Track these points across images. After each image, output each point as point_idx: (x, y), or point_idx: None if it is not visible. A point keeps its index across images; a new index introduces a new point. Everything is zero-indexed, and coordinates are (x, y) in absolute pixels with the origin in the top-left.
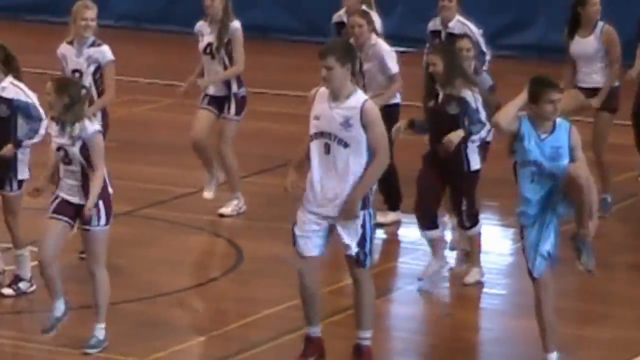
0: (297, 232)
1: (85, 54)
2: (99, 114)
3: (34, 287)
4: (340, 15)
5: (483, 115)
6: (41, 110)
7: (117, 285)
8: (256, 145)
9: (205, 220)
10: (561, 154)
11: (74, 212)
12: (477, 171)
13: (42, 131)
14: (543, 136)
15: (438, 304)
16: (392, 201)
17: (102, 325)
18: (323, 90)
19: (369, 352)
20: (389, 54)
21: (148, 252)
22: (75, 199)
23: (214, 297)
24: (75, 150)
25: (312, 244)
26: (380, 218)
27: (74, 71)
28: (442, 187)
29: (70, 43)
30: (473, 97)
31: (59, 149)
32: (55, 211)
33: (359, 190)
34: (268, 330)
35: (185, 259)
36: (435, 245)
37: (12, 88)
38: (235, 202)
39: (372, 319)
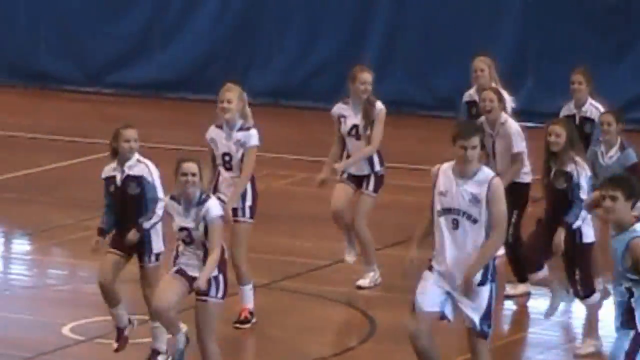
0: (418, 291)
1: (234, 138)
2: (249, 191)
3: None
4: (470, 94)
5: (584, 192)
6: (159, 191)
7: (254, 352)
8: (390, 217)
9: (341, 292)
10: None
11: (191, 282)
12: (589, 244)
13: (159, 212)
14: None
15: None
16: (521, 273)
17: None
18: (446, 166)
19: None
20: (518, 133)
21: (285, 322)
22: (194, 273)
23: None
24: (199, 233)
25: (431, 300)
26: (510, 290)
27: (224, 154)
28: (549, 246)
29: (220, 127)
30: (577, 171)
31: (181, 229)
32: (176, 272)
33: (475, 267)
34: None
35: (322, 329)
36: (549, 284)
37: (140, 165)
38: (371, 274)
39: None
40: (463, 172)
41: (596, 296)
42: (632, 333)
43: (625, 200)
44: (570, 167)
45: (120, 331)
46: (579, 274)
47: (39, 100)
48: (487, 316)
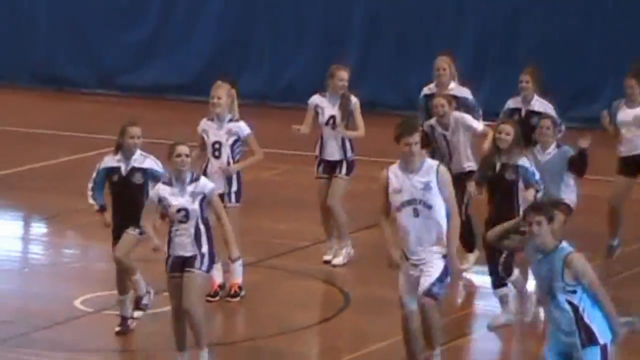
0: (400, 288)
1: (225, 128)
2: (235, 177)
3: (152, 292)
4: (430, 87)
5: (537, 175)
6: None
7: (244, 323)
8: (364, 204)
9: (320, 269)
10: None
11: (184, 264)
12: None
13: None
14: None
15: (518, 341)
16: (470, 244)
17: (205, 351)
18: (393, 167)
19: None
20: (469, 118)
21: (271, 296)
22: (188, 253)
23: (329, 334)
24: (195, 206)
25: (411, 297)
26: (464, 265)
27: (215, 143)
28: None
29: (211, 119)
30: (528, 161)
31: (179, 210)
32: (172, 270)
33: (452, 247)
34: None
35: (303, 302)
36: (505, 301)
37: (146, 159)
38: (344, 250)
39: (440, 339)
40: (411, 166)
41: (516, 273)
42: (597, 349)
43: (548, 224)
44: (521, 161)
45: (124, 320)
46: (505, 256)
47: (56, 101)
48: (440, 280)
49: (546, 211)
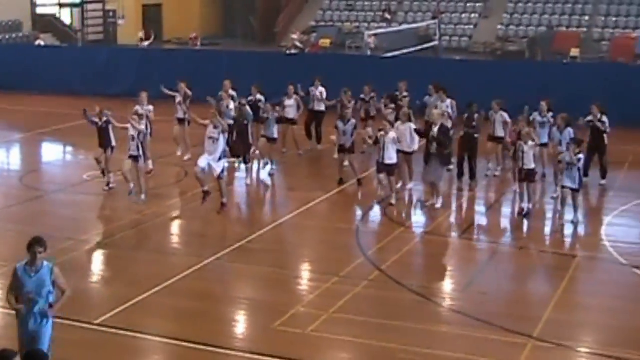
0: (200, 160)
1: None
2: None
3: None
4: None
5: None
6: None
7: None
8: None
9: None
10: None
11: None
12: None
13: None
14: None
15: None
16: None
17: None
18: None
19: (225, 205)
20: None
21: None
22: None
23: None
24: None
25: (203, 163)
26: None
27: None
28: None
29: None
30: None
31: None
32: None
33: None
34: None
35: None
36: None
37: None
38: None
39: (226, 191)
40: (215, 125)
41: None
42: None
43: None
44: None
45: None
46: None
47: None
48: (223, 172)
49: None
